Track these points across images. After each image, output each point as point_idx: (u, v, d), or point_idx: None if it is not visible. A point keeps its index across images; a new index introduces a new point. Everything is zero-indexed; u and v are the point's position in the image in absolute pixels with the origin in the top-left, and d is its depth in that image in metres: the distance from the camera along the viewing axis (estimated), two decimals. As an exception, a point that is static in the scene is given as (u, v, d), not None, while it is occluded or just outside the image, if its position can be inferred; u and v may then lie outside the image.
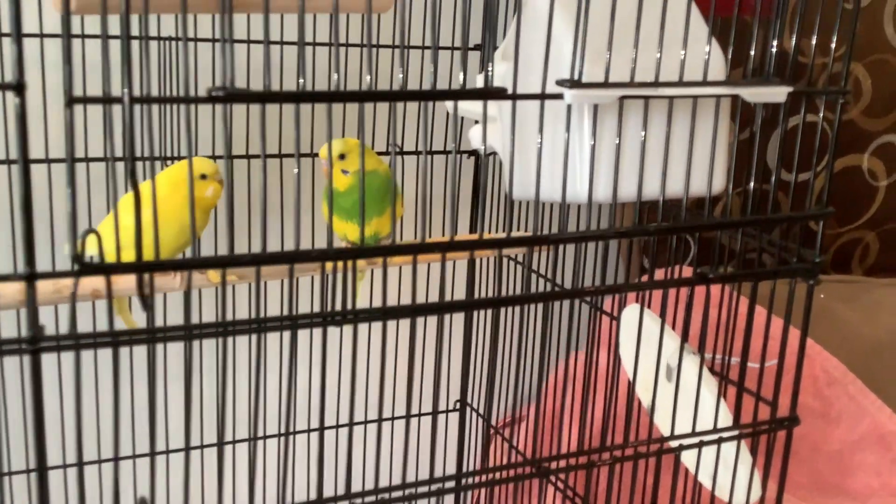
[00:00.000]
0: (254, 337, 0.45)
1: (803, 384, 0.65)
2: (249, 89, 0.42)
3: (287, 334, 0.67)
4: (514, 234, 0.85)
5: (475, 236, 0.50)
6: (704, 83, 0.54)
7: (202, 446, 0.95)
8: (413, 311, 0.49)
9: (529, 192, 0.59)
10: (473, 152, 1.00)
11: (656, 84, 0.52)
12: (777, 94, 0.54)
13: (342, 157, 0.76)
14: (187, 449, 0.46)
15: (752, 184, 0.58)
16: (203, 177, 0.68)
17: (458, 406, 1.11)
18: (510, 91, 0.49)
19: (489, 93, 0.47)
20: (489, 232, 0.99)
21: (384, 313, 0.49)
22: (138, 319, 0.78)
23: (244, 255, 0.44)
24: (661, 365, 0.63)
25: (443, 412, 1.10)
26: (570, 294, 0.54)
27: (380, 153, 0.94)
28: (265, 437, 1.00)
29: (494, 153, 0.79)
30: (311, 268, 0.69)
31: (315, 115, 0.95)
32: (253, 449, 0.48)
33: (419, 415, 1.07)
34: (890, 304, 1.10)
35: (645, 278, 1.00)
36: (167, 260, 0.42)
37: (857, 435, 0.96)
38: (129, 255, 0.71)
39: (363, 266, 0.79)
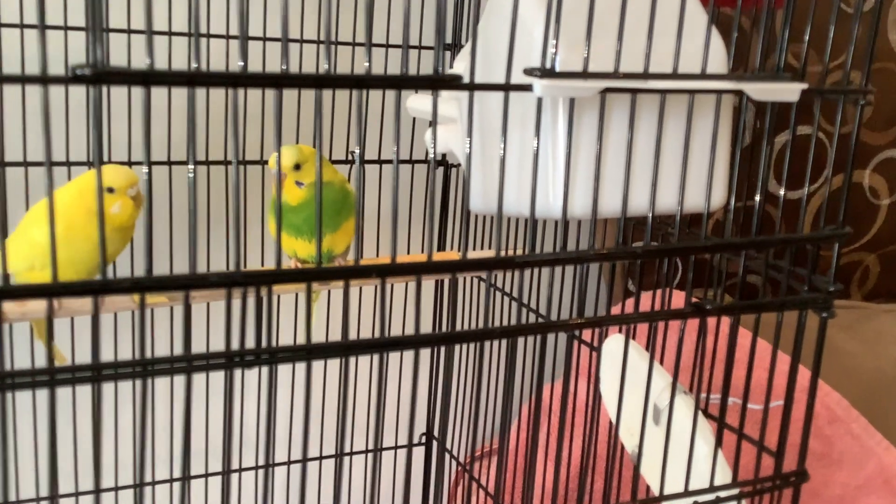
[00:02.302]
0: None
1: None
2: (127, 68, 0.33)
3: (213, 374, 0.59)
4: (475, 252, 0.77)
5: (426, 256, 0.40)
6: (703, 76, 0.45)
7: (116, 488, 0.86)
8: (344, 349, 0.40)
9: (492, 205, 0.50)
10: (443, 160, 0.91)
11: (646, 76, 0.43)
12: (789, 91, 0.46)
13: (297, 167, 0.67)
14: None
15: (757, 197, 0.49)
16: (110, 190, 0.59)
17: (423, 440, 1.02)
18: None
19: (440, 80, 0.38)
20: (455, 248, 0.90)
21: (308, 352, 0.39)
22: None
23: (123, 280, 0.35)
24: (647, 406, 0.54)
25: (404, 447, 1.01)
26: (539, 328, 0.45)
27: (335, 161, 0.85)
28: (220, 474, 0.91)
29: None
30: (216, 294, 0.59)
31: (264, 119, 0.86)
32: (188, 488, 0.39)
33: (381, 449, 0.98)
34: (894, 332, 1.01)
35: (630, 303, 0.91)
36: (20, 286, 0.33)
37: (861, 478, 0.87)
38: (43, 276, 0.62)
39: (315, 286, 0.70)
